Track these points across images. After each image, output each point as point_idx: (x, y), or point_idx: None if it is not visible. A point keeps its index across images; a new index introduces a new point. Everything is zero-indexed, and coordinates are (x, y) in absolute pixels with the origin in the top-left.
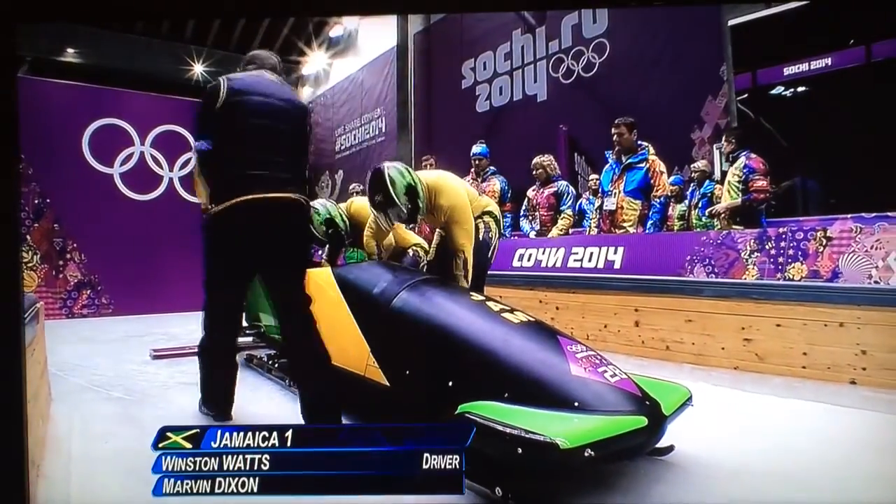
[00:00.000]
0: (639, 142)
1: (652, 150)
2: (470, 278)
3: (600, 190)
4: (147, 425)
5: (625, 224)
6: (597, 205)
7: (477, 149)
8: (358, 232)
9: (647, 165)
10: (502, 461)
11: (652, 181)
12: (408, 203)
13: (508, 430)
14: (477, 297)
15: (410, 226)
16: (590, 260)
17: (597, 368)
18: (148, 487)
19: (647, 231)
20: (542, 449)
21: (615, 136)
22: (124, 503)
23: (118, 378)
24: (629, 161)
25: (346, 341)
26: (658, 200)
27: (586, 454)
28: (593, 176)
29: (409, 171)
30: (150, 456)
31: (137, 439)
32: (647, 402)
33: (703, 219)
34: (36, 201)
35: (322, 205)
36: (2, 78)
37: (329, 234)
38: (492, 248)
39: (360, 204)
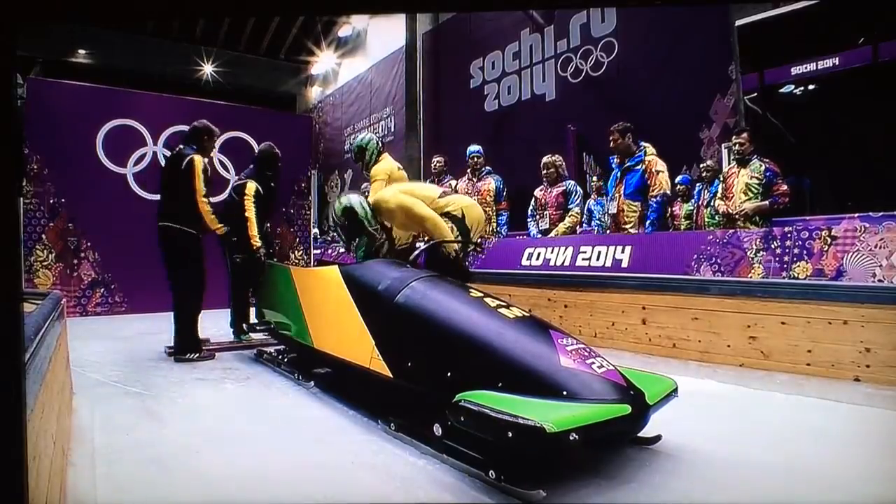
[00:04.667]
0: (640, 142)
1: (650, 151)
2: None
3: (607, 195)
4: (166, 419)
5: (626, 225)
6: (607, 209)
7: (472, 148)
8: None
9: (643, 167)
10: (495, 444)
11: (648, 181)
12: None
13: (500, 416)
14: (476, 293)
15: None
16: (598, 259)
17: (585, 360)
18: (169, 476)
19: (646, 230)
20: (531, 433)
21: (611, 142)
22: (147, 491)
23: (135, 374)
24: (627, 165)
25: (352, 335)
26: (654, 200)
27: (571, 438)
28: (594, 178)
29: (362, 205)
30: (170, 447)
31: (157, 432)
32: (632, 392)
33: (717, 217)
34: (51, 201)
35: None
36: (1, 78)
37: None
38: (457, 253)
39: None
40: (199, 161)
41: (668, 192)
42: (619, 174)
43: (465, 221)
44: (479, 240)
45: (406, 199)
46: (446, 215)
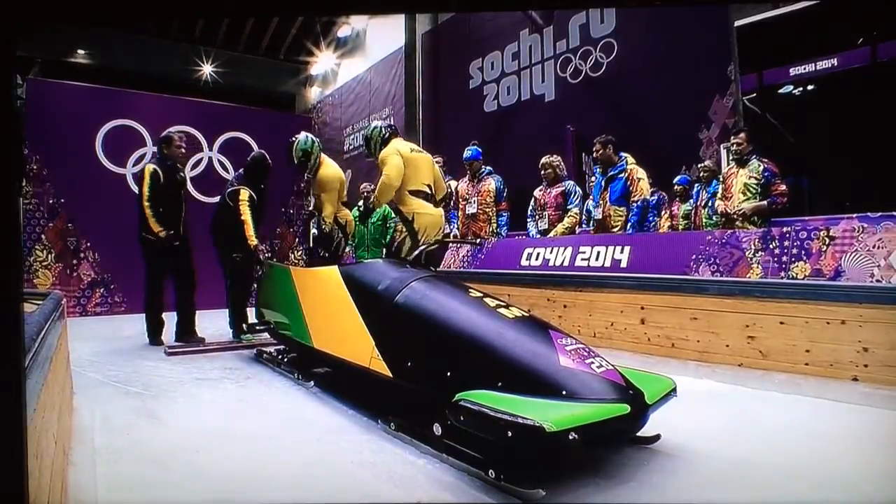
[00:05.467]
0: (620, 153)
1: (631, 160)
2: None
3: (592, 201)
4: (166, 419)
5: (613, 229)
6: (593, 215)
7: (467, 153)
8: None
9: (626, 174)
10: (495, 444)
11: (630, 188)
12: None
13: (500, 416)
14: (475, 293)
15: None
16: (597, 259)
17: (584, 360)
18: (169, 476)
19: (627, 232)
20: (530, 432)
21: (594, 153)
22: (147, 491)
23: (135, 374)
24: (611, 173)
25: (352, 335)
26: (636, 204)
27: (570, 437)
28: (592, 178)
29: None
30: (170, 447)
31: (157, 431)
32: (631, 392)
33: (714, 217)
34: (51, 201)
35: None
36: (2, 78)
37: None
38: (403, 250)
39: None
40: (147, 169)
41: (648, 197)
42: (602, 182)
43: (413, 224)
44: (479, 239)
45: (393, 161)
46: (398, 212)
